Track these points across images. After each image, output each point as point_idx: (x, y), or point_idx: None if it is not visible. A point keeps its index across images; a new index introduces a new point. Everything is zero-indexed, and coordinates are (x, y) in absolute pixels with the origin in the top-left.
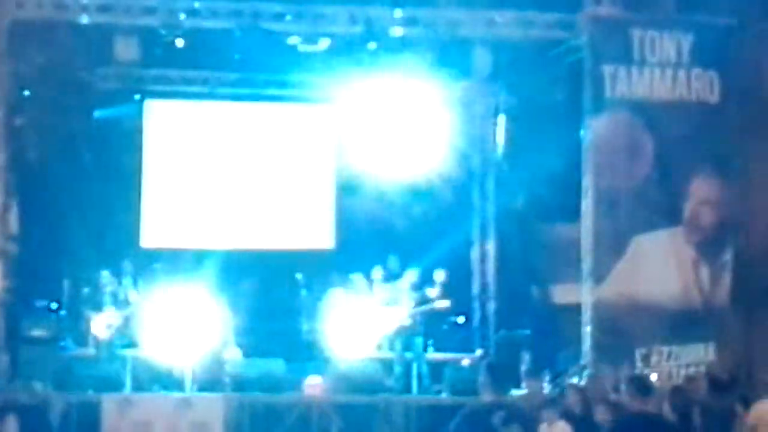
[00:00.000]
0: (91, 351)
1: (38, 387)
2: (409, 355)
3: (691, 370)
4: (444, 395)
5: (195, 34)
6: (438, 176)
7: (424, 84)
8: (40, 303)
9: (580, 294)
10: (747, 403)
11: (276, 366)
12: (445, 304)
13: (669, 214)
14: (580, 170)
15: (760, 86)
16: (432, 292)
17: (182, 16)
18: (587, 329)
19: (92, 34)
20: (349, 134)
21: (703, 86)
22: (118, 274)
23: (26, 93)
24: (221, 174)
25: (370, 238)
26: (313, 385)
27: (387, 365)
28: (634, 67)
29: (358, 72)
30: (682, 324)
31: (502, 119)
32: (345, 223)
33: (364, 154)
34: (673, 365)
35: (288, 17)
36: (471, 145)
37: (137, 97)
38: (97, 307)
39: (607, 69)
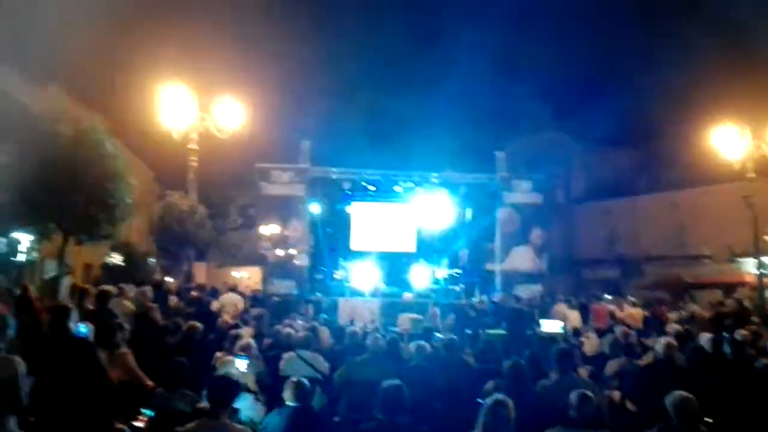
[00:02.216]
0: (335, 281)
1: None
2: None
3: (533, 293)
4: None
5: (364, 179)
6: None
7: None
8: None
9: (495, 267)
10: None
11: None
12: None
13: (525, 241)
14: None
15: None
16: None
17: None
18: (498, 279)
19: (338, 182)
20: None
21: (537, 198)
22: (345, 257)
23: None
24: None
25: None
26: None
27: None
28: (512, 192)
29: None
30: (530, 276)
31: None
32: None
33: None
34: (526, 293)
35: (395, 174)
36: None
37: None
38: (337, 269)
39: (504, 193)
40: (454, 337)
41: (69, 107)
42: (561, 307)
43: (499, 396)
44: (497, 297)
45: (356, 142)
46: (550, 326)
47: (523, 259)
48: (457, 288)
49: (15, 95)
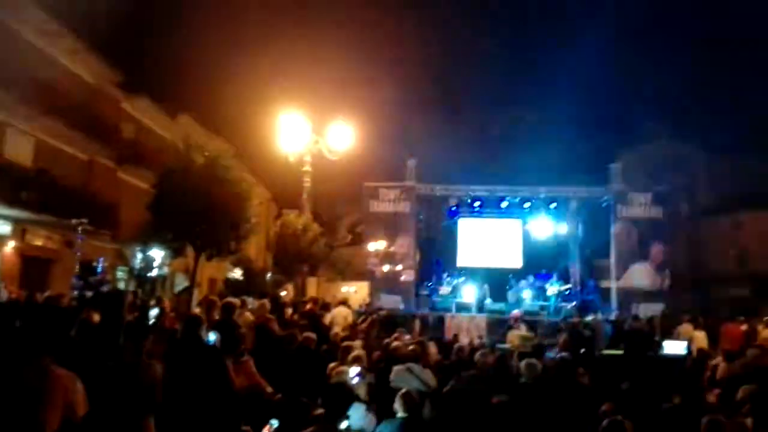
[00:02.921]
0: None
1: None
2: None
3: (653, 312)
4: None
5: (470, 195)
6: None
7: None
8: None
9: (610, 285)
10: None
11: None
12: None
13: (644, 257)
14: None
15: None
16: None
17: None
18: (614, 297)
19: (444, 198)
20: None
21: (657, 212)
22: (451, 273)
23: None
24: (482, 240)
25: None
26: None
27: None
28: (628, 205)
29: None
30: (650, 295)
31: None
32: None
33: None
34: (646, 312)
35: (502, 189)
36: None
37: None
38: (443, 284)
39: (619, 207)
40: (566, 355)
41: (198, 135)
42: (686, 328)
43: (618, 417)
44: (614, 316)
45: (462, 158)
46: (673, 347)
47: (642, 276)
48: (568, 306)
49: (151, 125)
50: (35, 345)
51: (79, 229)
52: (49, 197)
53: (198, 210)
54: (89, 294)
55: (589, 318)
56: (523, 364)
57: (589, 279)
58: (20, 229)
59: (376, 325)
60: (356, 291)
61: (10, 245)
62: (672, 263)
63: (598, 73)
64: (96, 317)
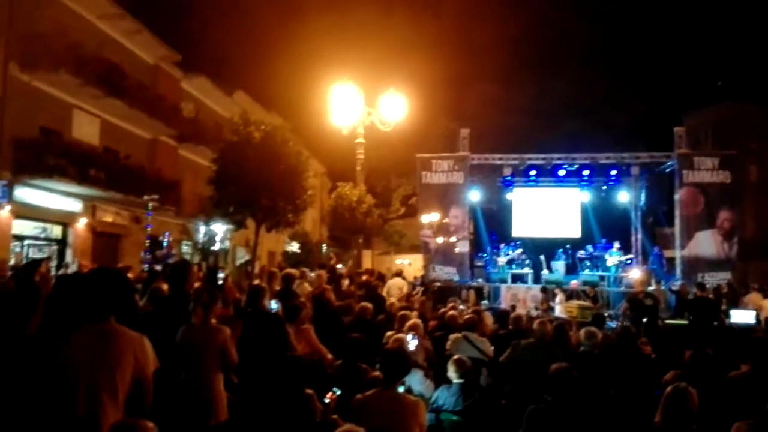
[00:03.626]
0: (497, 268)
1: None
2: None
3: (720, 281)
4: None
5: (525, 164)
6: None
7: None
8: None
9: (675, 254)
10: None
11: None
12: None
13: (710, 224)
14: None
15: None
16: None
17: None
18: (678, 266)
19: (498, 168)
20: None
21: (725, 177)
22: (507, 244)
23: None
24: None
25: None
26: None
27: None
28: (693, 170)
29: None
30: (717, 263)
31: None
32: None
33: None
34: (712, 281)
35: (559, 156)
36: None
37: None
38: (499, 254)
39: (684, 172)
40: (628, 324)
41: (254, 110)
42: (754, 297)
43: (682, 384)
44: (677, 285)
45: (516, 127)
46: (741, 317)
47: (708, 244)
48: (628, 275)
49: (209, 103)
50: (101, 306)
51: (149, 205)
52: (116, 175)
53: (257, 183)
54: (158, 267)
55: (651, 288)
56: (582, 332)
57: (653, 247)
58: (91, 206)
59: (430, 297)
60: (410, 263)
61: (82, 222)
62: (740, 230)
63: (660, 33)
64: (165, 287)
